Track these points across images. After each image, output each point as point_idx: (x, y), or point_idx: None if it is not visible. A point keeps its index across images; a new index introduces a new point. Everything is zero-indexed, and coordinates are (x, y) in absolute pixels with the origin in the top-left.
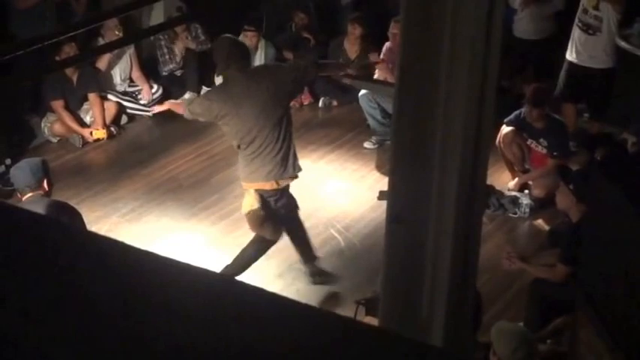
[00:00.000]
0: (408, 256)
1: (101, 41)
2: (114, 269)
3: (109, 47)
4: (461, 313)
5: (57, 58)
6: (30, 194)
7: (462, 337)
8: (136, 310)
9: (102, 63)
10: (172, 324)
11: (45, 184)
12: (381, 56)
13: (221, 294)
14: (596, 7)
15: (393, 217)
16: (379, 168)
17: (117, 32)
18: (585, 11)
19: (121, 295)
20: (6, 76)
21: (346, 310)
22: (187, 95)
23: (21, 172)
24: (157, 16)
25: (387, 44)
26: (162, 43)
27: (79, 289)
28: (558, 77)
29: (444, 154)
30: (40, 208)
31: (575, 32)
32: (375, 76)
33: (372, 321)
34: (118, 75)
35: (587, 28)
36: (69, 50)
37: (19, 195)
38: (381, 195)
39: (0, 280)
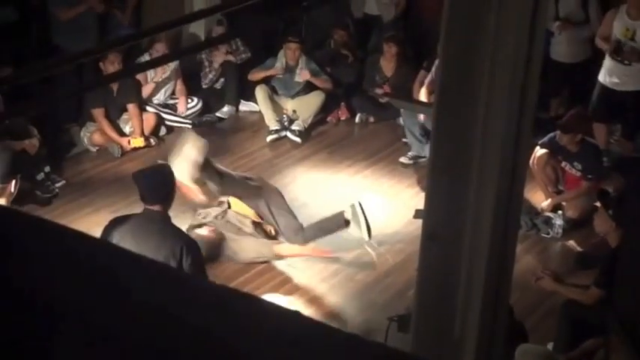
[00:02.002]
0: (442, 273)
1: (148, 58)
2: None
3: (153, 64)
4: (494, 332)
5: (101, 66)
6: (156, 207)
7: (494, 356)
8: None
9: (145, 90)
10: (204, 345)
11: (170, 198)
12: (431, 74)
13: (247, 314)
14: (632, 39)
15: (429, 234)
16: (414, 184)
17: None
18: (618, 42)
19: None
20: (48, 92)
21: (378, 325)
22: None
23: (150, 181)
24: (197, 27)
25: (438, 62)
26: (203, 56)
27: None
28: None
29: (481, 174)
30: (162, 228)
31: (608, 62)
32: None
33: (404, 338)
34: (163, 92)
35: (621, 59)
36: (114, 59)
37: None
38: (417, 213)
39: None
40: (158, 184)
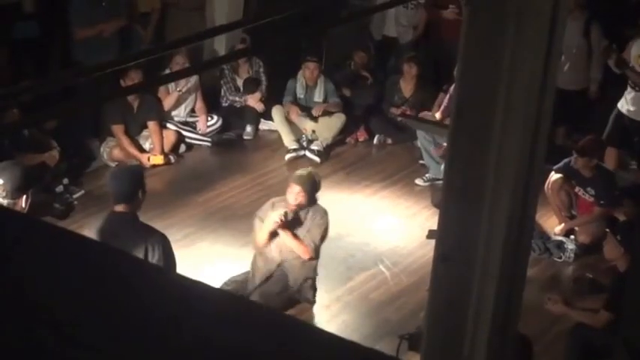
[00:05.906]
0: (453, 294)
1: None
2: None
3: (173, 77)
4: (502, 354)
5: (122, 83)
6: (121, 207)
7: None
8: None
9: (168, 101)
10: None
11: (140, 196)
12: (445, 101)
13: (264, 328)
14: None
15: (441, 256)
16: (430, 206)
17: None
18: (633, 68)
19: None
20: (69, 102)
21: (390, 343)
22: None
23: (118, 180)
24: (219, 45)
25: (453, 88)
26: (226, 72)
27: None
28: (598, 128)
29: (495, 198)
30: (127, 229)
31: (627, 88)
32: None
33: (415, 356)
34: (183, 108)
35: (634, 85)
36: (134, 76)
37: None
38: (430, 234)
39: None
40: (124, 184)
